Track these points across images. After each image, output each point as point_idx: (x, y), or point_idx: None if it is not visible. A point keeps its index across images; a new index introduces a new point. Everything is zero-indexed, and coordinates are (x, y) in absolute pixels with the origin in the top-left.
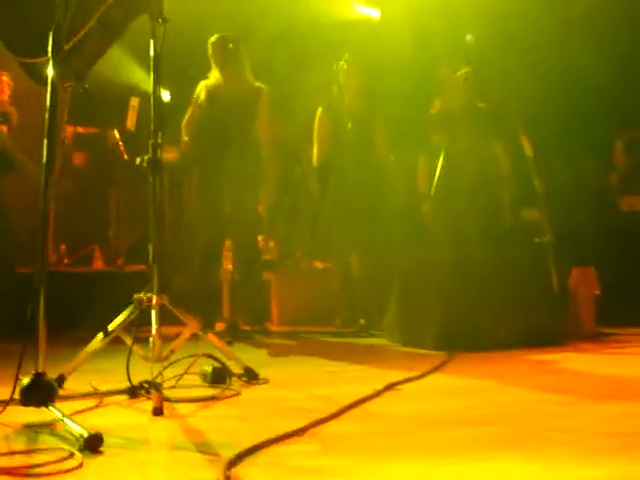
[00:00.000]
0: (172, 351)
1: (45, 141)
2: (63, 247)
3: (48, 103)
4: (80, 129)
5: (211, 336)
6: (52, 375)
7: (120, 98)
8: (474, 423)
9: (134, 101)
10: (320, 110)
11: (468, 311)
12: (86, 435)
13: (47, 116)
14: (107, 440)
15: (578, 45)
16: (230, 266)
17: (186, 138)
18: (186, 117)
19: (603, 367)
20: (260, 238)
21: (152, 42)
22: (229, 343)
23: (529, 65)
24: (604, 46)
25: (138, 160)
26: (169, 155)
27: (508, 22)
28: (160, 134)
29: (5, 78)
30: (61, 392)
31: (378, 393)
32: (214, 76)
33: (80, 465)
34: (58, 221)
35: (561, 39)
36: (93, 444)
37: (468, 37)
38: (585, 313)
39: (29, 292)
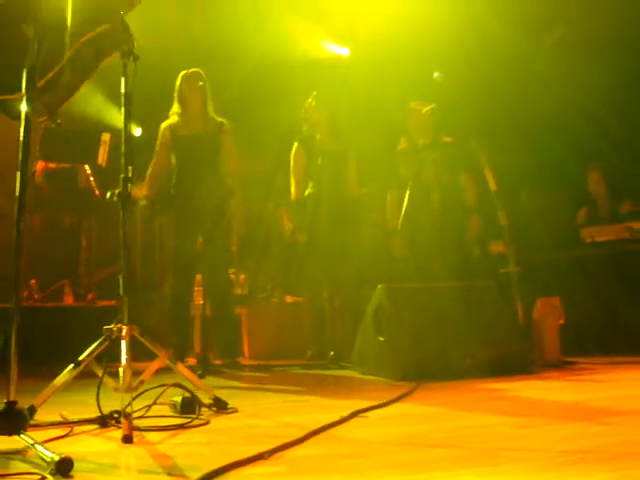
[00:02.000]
0: (142, 382)
1: (18, 174)
2: (33, 282)
3: (21, 137)
4: (51, 164)
5: (180, 367)
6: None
7: (91, 134)
8: (436, 445)
9: (105, 137)
10: (296, 145)
11: (435, 341)
12: (57, 459)
13: (20, 150)
14: (78, 466)
15: (546, 81)
16: (201, 301)
17: (146, 192)
18: (150, 168)
19: (563, 393)
20: (231, 272)
21: (123, 80)
22: (200, 376)
23: (496, 100)
24: (572, 82)
25: (108, 194)
26: (139, 191)
27: (475, 59)
28: (130, 169)
29: None
30: (32, 422)
31: (344, 419)
32: (175, 112)
33: None
34: (28, 256)
35: (528, 76)
36: (64, 468)
37: (436, 74)
38: (550, 342)
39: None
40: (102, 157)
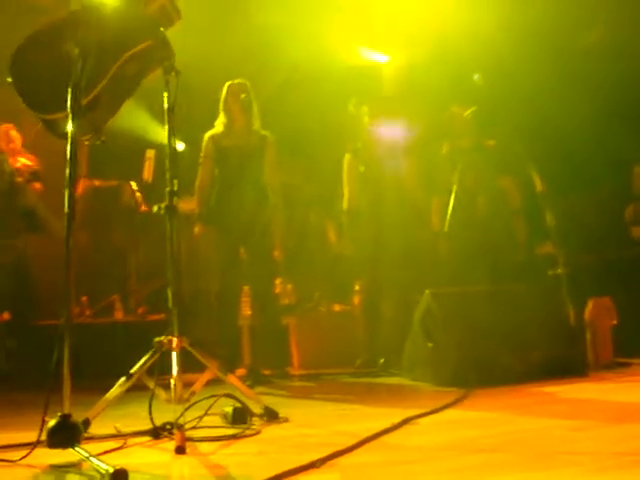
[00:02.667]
0: (193, 393)
1: (66, 192)
2: (84, 299)
3: (68, 156)
4: (97, 182)
5: (231, 377)
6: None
7: (136, 151)
8: (487, 450)
9: (150, 153)
10: (348, 156)
11: (485, 346)
12: (111, 471)
13: (67, 167)
14: (132, 477)
15: (585, 81)
16: (249, 311)
17: (195, 206)
18: (198, 180)
19: (617, 394)
20: (278, 282)
21: (165, 95)
22: (250, 387)
23: (537, 101)
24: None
25: (155, 208)
26: (185, 205)
27: (512, 62)
28: (175, 182)
29: (13, 132)
30: (86, 435)
31: (395, 427)
32: (220, 123)
33: None
34: (78, 273)
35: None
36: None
37: (475, 77)
38: (603, 343)
39: (51, 344)
40: (147, 173)
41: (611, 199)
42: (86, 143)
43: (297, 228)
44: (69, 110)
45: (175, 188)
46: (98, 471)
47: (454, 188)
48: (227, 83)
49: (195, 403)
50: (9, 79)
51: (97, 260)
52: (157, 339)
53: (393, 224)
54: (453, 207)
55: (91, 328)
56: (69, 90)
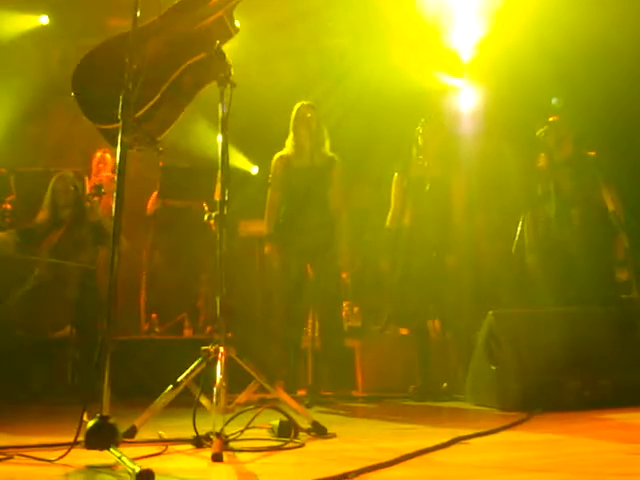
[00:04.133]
0: (237, 404)
1: (115, 198)
2: (154, 316)
3: (118, 162)
4: (169, 202)
5: (279, 390)
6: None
7: (207, 171)
8: (536, 470)
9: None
10: (396, 175)
11: (550, 370)
12: (138, 471)
13: (117, 174)
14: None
15: None
16: (314, 333)
17: (266, 229)
18: (267, 201)
19: None
20: (345, 304)
21: (220, 105)
22: (307, 406)
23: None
24: None
25: (206, 216)
26: (257, 228)
27: (587, 86)
28: (227, 191)
29: (108, 155)
30: (128, 440)
31: (444, 445)
32: (289, 144)
33: None
34: (150, 290)
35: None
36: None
37: (554, 100)
38: None
39: (117, 359)
40: (218, 194)
41: None
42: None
43: (365, 251)
44: (120, 119)
45: (226, 198)
46: (128, 472)
47: (549, 201)
48: (297, 105)
49: (240, 413)
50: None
51: (169, 279)
52: (204, 347)
53: (431, 244)
54: (545, 221)
55: (158, 343)
56: (120, 98)
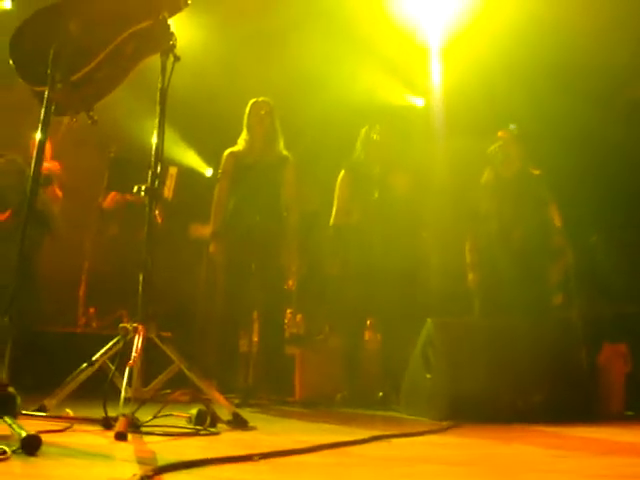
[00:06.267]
0: (156, 389)
1: (33, 161)
2: (92, 310)
3: (42, 117)
4: (130, 197)
5: (198, 379)
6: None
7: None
8: (456, 464)
9: (172, 170)
10: (343, 172)
11: (485, 381)
12: (24, 435)
13: (39, 132)
14: (52, 449)
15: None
16: (254, 338)
17: (212, 228)
18: (215, 197)
19: (616, 436)
20: (288, 311)
21: (160, 77)
22: (237, 406)
23: (566, 142)
24: None
25: (135, 188)
26: (204, 230)
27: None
28: (159, 165)
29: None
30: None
31: (362, 441)
32: (242, 140)
33: (7, 458)
34: (89, 285)
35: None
36: (30, 445)
37: (511, 127)
38: (614, 391)
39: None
40: (168, 190)
41: None
42: (74, 121)
43: (311, 257)
44: (49, 75)
45: (158, 171)
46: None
47: (492, 219)
48: (251, 101)
49: (156, 396)
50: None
51: (111, 273)
52: (122, 325)
53: (386, 245)
54: (487, 238)
55: (94, 338)
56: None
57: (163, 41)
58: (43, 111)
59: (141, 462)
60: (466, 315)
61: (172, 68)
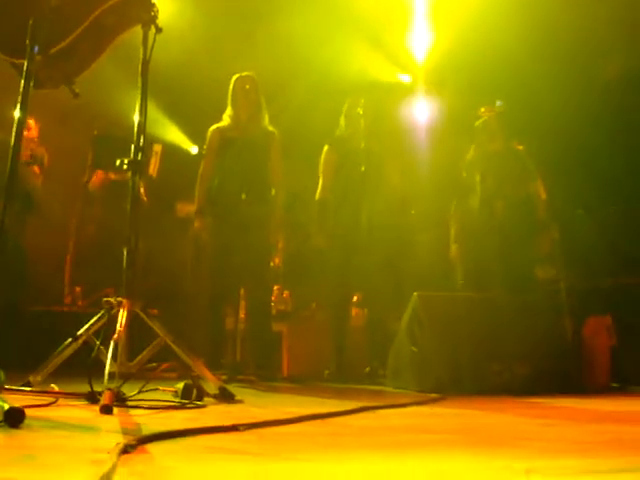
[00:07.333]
0: (141, 363)
1: (13, 138)
2: (78, 289)
3: (21, 91)
4: (111, 175)
5: (183, 353)
6: None
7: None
8: (443, 432)
9: (157, 148)
10: (326, 147)
11: (471, 353)
12: (7, 407)
13: (18, 108)
14: (36, 423)
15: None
16: (242, 315)
17: (197, 205)
18: (200, 173)
19: (603, 406)
20: (275, 288)
21: (142, 49)
22: (225, 382)
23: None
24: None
25: (118, 162)
26: (191, 208)
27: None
28: (142, 137)
29: (30, 121)
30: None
31: (349, 412)
32: (227, 115)
33: None
34: (78, 264)
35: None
36: (13, 418)
37: (498, 103)
38: (599, 363)
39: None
40: (153, 168)
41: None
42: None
43: (297, 234)
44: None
45: (141, 144)
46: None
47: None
48: (234, 76)
49: (142, 371)
50: None
51: (97, 252)
52: (106, 299)
53: (372, 220)
54: (471, 212)
55: (80, 317)
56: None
57: (144, 12)
58: (22, 83)
59: (126, 433)
60: (452, 289)
61: (154, 40)
